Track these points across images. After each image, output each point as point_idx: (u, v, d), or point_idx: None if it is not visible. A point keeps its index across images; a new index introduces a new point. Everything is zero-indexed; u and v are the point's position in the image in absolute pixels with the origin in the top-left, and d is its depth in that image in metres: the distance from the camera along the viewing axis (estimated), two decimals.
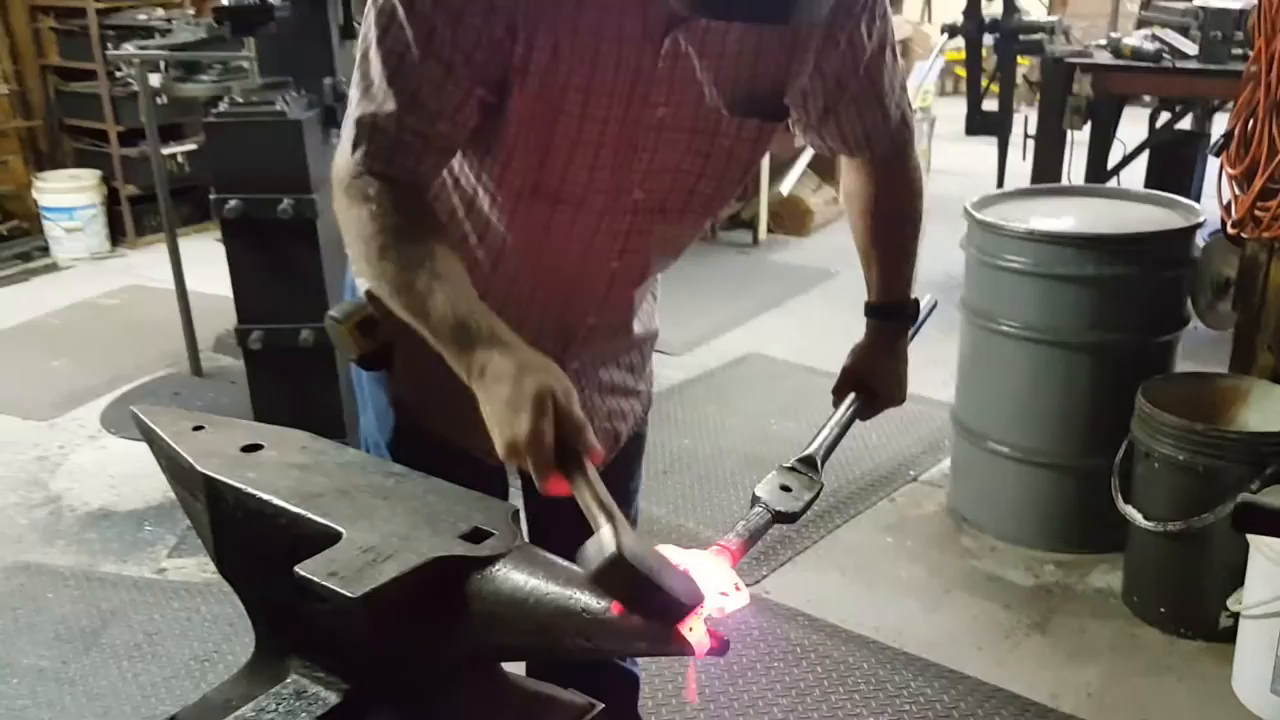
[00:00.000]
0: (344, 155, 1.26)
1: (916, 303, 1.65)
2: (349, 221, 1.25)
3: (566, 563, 1.10)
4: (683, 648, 1.07)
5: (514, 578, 1.11)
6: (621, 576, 0.99)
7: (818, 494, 1.41)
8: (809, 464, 1.44)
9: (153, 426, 1.42)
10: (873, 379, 1.61)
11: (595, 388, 1.59)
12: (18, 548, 3.18)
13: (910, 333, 1.67)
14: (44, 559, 3.11)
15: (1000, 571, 2.95)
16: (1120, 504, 2.65)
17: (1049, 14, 9.18)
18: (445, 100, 1.23)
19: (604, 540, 1.00)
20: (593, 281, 1.44)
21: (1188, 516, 2.50)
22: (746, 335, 4.54)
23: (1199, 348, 3.55)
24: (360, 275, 1.33)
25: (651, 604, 1.01)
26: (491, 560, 1.12)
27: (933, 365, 3.27)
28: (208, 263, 3.96)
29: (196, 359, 4.18)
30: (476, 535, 1.16)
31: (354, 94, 1.25)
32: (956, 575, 2.95)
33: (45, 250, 5.87)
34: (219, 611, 2.79)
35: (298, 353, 3.08)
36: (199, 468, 1.30)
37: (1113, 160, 4.53)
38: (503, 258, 1.40)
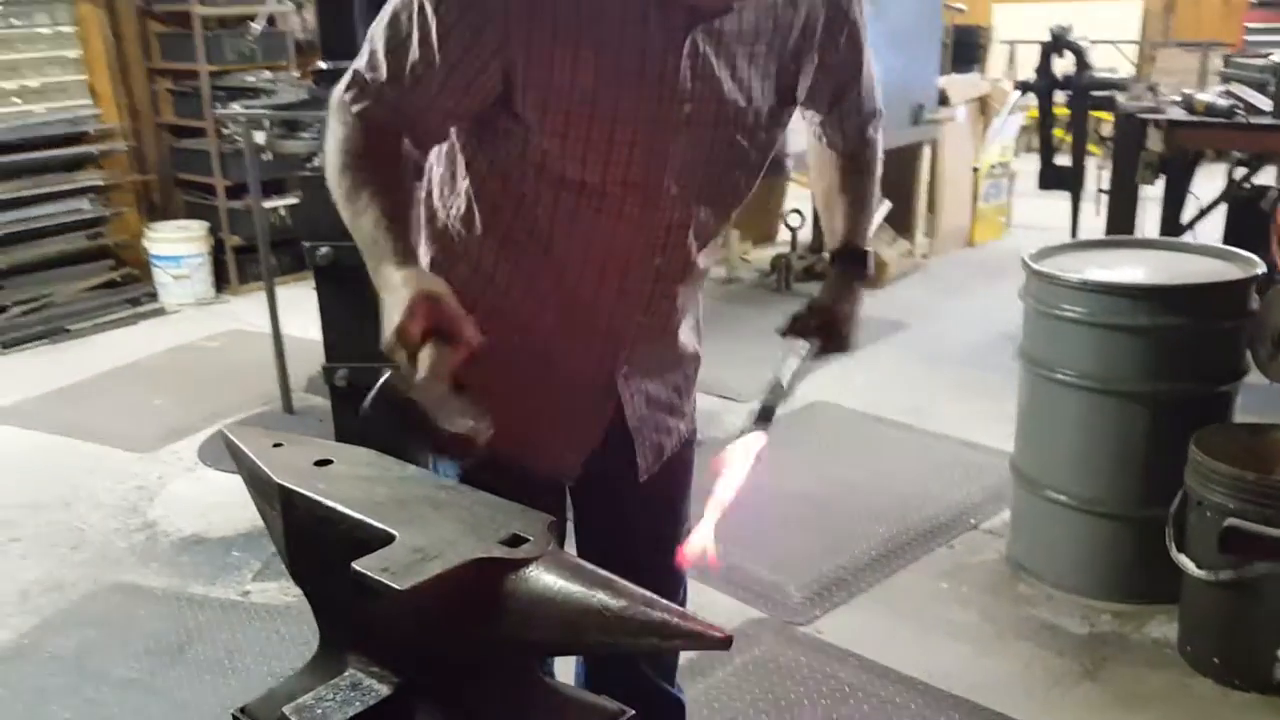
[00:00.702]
0: (339, 88, 1.46)
1: (870, 254, 1.78)
2: (330, 135, 1.46)
3: (590, 566, 1.22)
4: (691, 643, 1.17)
5: (545, 579, 1.23)
6: (390, 400, 1.25)
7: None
8: (767, 414, 1.61)
9: (238, 443, 1.57)
10: (834, 320, 1.71)
11: (645, 399, 1.69)
12: (116, 569, 3.39)
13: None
14: (139, 579, 3.31)
15: (1055, 619, 2.96)
16: (1174, 553, 2.66)
17: (1137, 71, 9.19)
18: (422, 91, 1.41)
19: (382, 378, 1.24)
20: (639, 278, 1.55)
21: (1239, 566, 2.51)
22: (815, 383, 4.61)
23: (1262, 400, 3.53)
24: (327, 177, 1.51)
25: (419, 432, 1.26)
26: (525, 563, 1.24)
27: (999, 419, 3.32)
28: (302, 309, 4.18)
29: (288, 398, 4.40)
30: (514, 541, 1.28)
31: (364, 49, 1.45)
32: (1011, 622, 2.97)
33: (154, 296, 6.18)
34: (295, 632, 2.95)
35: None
36: (275, 478, 1.44)
37: (1188, 215, 4.53)
38: (549, 254, 1.52)
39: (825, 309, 1.71)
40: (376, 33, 1.43)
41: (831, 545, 3.34)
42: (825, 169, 1.78)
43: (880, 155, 1.79)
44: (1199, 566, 2.59)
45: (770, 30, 1.45)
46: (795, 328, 1.70)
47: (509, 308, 1.56)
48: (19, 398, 4.80)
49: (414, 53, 1.39)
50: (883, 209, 6.06)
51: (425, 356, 1.30)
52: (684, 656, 2.79)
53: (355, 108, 1.44)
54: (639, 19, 1.36)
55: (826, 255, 1.80)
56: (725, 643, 1.18)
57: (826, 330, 1.70)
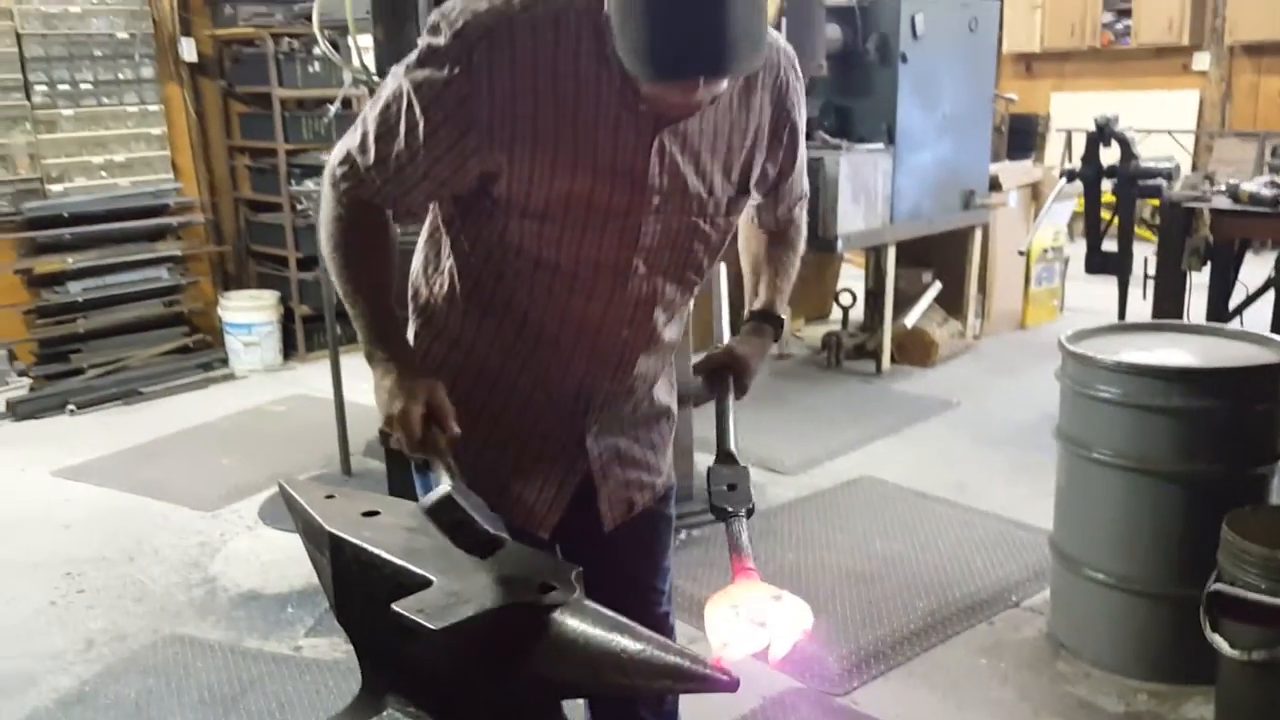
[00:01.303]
0: (331, 163, 1.62)
1: (783, 320, 1.94)
2: (323, 205, 1.63)
3: (611, 613, 1.31)
4: (701, 685, 1.26)
5: (569, 623, 1.32)
6: (448, 511, 1.38)
7: (749, 479, 1.69)
8: (730, 459, 1.70)
9: (294, 494, 1.70)
10: (743, 370, 1.85)
11: (614, 456, 1.81)
12: (175, 620, 3.52)
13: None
14: (196, 632, 3.43)
15: (1092, 698, 2.97)
16: (1208, 632, 2.67)
17: (1194, 161, 9.21)
18: (403, 179, 1.56)
19: (442, 486, 1.40)
20: (607, 349, 1.70)
21: (1272, 646, 2.51)
22: (861, 459, 4.67)
23: None
24: (321, 248, 1.68)
25: (470, 537, 1.38)
26: (552, 609, 1.34)
27: (1043, 498, 3.35)
28: (365, 378, 4.26)
29: (348, 461, 4.55)
30: (543, 588, 1.38)
31: (355, 129, 1.59)
32: (1048, 699, 2.98)
33: (225, 362, 6.40)
34: (345, 687, 3.04)
35: None
36: (326, 526, 1.56)
37: (1235, 302, 4.56)
38: (525, 325, 1.67)
39: (738, 356, 1.86)
40: (369, 116, 1.57)
41: (871, 617, 3.38)
42: (752, 241, 1.96)
43: (804, 232, 1.96)
44: (1233, 646, 2.60)
45: (728, 129, 1.61)
46: (705, 365, 1.86)
47: (487, 373, 1.71)
48: (92, 456, 5.00)
49: (400, 142, 1.53)
50: (933, 289, 6.15)
51: (420, 439, 1.52)
52: None
53: (344, 185, 1.60)
54: (612, 123, 1.51)
55: (745, 314, 1.95)
56: (733, 686, 1.26)
57: (731, 373, 1.85)
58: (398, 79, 1.54)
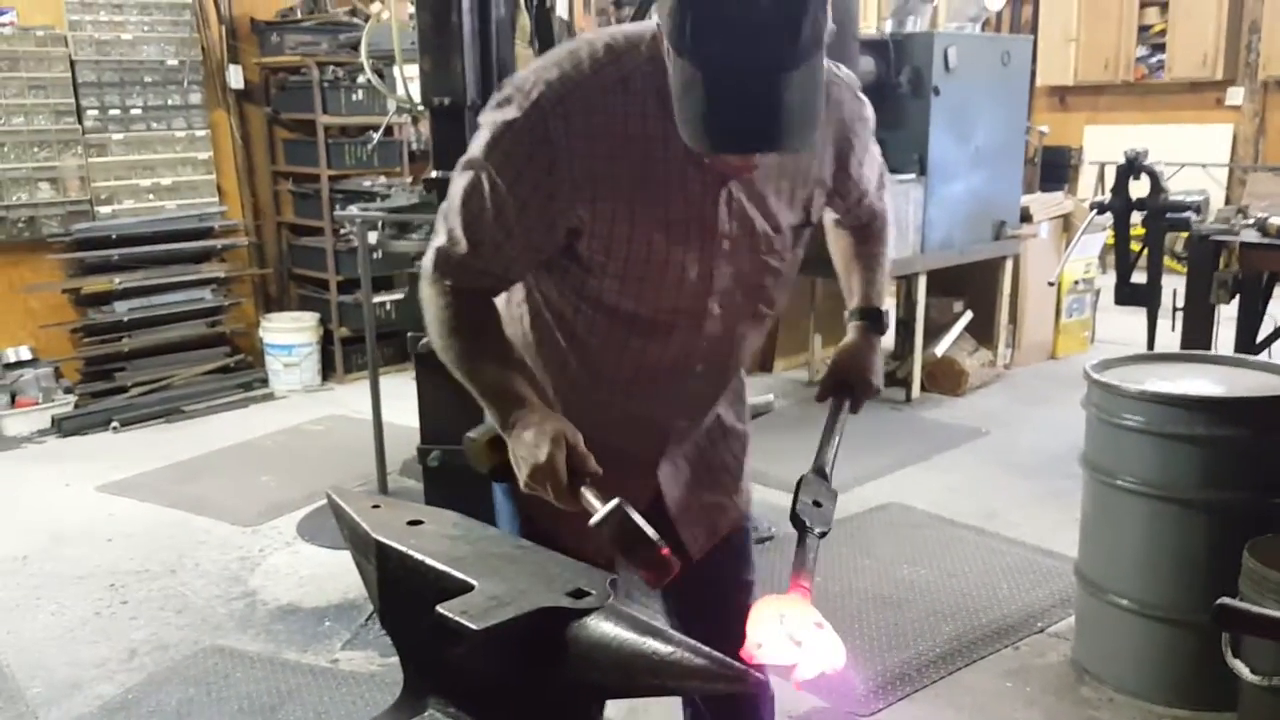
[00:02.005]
0: (428, 265, 1.65)
1: (887, 313, 1.98)
2: (428, 306, 1.65)
3: (644, 618, 1.38)
4: (730, 685, 1.32)
5: (604, 627, 1.39)
6: (620, 525, 1.40)
7: (835, 501, 1.75)
8: (822, 475, 1.75)
9: (341, 504, 1.77)
10: (860, 373, 1.91)
11: (691, 485, 1.86)
12: (216, 633, 3.61)
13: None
14: (236, 644, 3.53)
15: None
16: (1229, 658, 2.70)
17: (1227, 194, 9.20)
18: (502, 255, 1.61)
19: (610, 503, 1.43)
20: (680, 386, 1.75)
21: None
22: (889, 485, 4.71)
23: None
24: (433, 344, 1.71)
25: (644, 553, 1.41)
26: (587, 612, 1.41)
27: (1071, 526, 3.39)
28: (402, 398, 4.41)
29: (384, 480, 4.64)
30: (579, 593, 1.45)
31: (440, 228, 1.64)
32: None
33: (265, 382, 6.53)
34: (381, 699, 3.11)
35: (468, 471, 3.44)
36: (373, 534, 1.64)
37: (1264, 335, 4.57)
38: (602, 373, 1.72)
39: (845, 366, 1.92)
40: (451, 213, 1.61)
41: (898, 640, 3.42)
42: (840, 240, 2.00)
43: (889, 219, 1.98)
44: (1254, 672, 2.63)
45: (792, 168, 1.67)
46: (827, 390, 1.91)
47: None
48: (135, 472, 5.13)
49: (492, 225, 1.58)
50: (964, 319, 6.19)
51: (567, 486, 1.51)
52: None
53: (447, 281, 1.63)
54: (679, 177, 1.57)
55: (846, 314, 1.99)
56: (761, 686, 1.33)
57: (854, 383, 1.90)
58: (472, 169, 1.57)
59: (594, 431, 1.67)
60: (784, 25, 1.29)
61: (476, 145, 1.58)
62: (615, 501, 1.42)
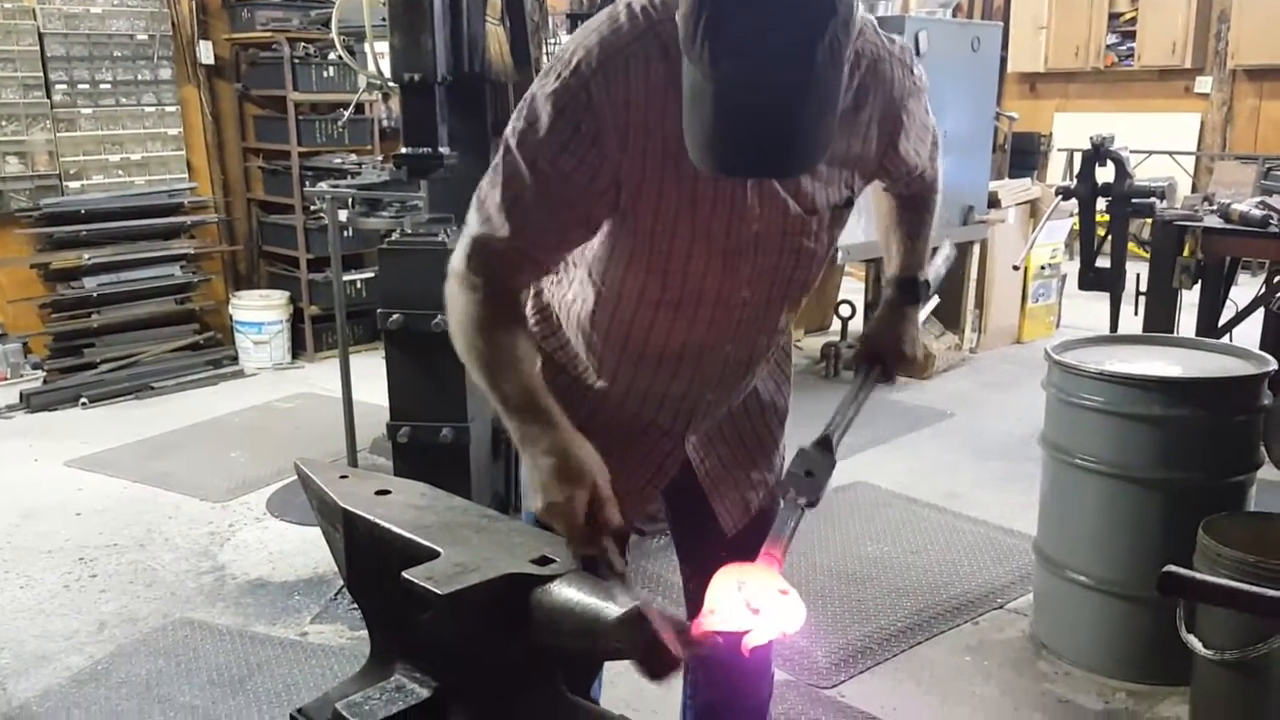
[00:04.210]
0: (459, 259, 1.57)
1: (927, 283, 1.91)
2: (454, 304, 1.57)
3: (604, 583, 1.42)
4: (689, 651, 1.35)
5: (566, 592, 1.42)
6: (635, 628, 1.27)
7: (831, 474, 1.67)
8: (825, 446, 1.69)
9: (309, 474, 1.80)
10: (895, 343, 1.86)
11: (725, 459, 1.85)
12: (185, 606, 3.62)
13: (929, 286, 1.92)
14: (206, 617, 3.54)
15: (1072, 695, 3.07)
16: (1183, 633, 2.77)
17: (1194, 182, 9.32)
18: (547, 233, 1.55)
19: (631, 601, 1.30)
20: (709, 364, 1.72)
21: (1244, 646, 2.61)
22: (856, 465, 4.76)
23: None
24: (456, 346, 1.63)
25: (657, 658, 1.28)
26: (551, 579, 1.44)
27: (1032, 507, 3.44)
28: (372, 377, 4.41)
29: (354, 457, 4.64)
30: (543, 560, 1.48)
31: (473, 218, 1.57)
32: (1028, 696, 3.08)
33: (234, 359, 6.52)
34: (350, 671, 3.08)
35: (437, 448, 3.49)
36: (341, 504, 1.66)
37: (1225, 320, 4.66)
38: (627, 349, 1.70)
39: (877, 335, 1.88)
40: (488, 198, 1.54)
41: (860, 616, 3.48)
42: (883, 203, 1.92)
43: (938, 185, 1.89)
44: (1206, 646, 2.70)
45: (833, 147, 1.60)
46: (858, 360, 1.87)
47: (583, 380, 1.75)
48: (104, 448, 5.12)
49: (533, 207, 1.51)
50: (931, 303, 6.25)
51: (583, 531, 1.44)
52: None
53: (480, 277, 1.54)
54: None
55: (883, 281, 1.95)
56: (704, 644, 1.36)
57: (885, 354, 1.86)
58: (512, 149, 1.51)
59: (619, 401, 1.66)
60: (799, 51, 1.22)
61: (517, 123, 1.52)
62: (636, 604, 1.28)
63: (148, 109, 6.41)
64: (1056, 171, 10.13)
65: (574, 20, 5.24)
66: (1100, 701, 3.03)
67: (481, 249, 1.55)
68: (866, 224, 5.92)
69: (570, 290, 1.74)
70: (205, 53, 6.67)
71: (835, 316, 6.69)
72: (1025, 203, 6.71)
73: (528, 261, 1.58)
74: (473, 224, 1.58)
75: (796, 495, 1.62)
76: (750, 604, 1.42)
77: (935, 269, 2.05)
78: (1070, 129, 10.39)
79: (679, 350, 1.69)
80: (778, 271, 1.65)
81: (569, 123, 1.47)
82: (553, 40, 4.68)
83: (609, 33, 1.48)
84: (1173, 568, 1.40)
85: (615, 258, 1.61)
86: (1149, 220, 5.11)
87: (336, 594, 3.61)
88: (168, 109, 6.49)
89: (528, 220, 1.53)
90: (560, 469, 1.45)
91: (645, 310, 1.65)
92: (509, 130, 1.53)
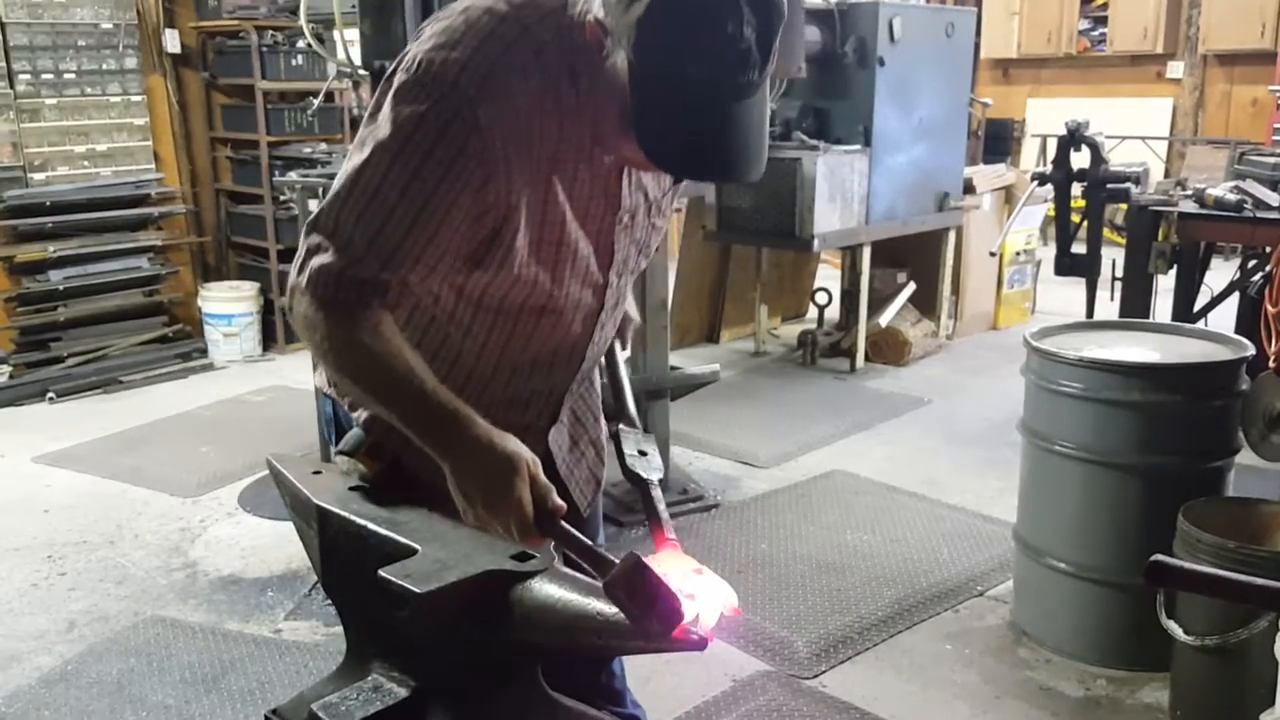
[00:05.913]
0: (306, 281, 1.44)
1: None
2: (312, 333, 1.47)
3: (587, 579, 1.39)
4: (671, 646, 1.32)
5: (547, 589, 1.39)
6: (638, 580, 1.24)
7: (654, 442, 1.76)
8: (632, 423, 1.77)
9: (282, 470, 1.76)
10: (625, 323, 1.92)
11: (587, 441, 1.86)
12: (157, 603, 3.57)
13: None
14: (178, 614, 3.48)
15: (1053, 682, 3.06)
16: (1163, 619, 2.77)
17: (1167, 167, 9.36)
18: (421, 258, 1.44)
19: (629, 556, 1.26)
20: (576, 356, 1.73)
21: (1224, 633, 2.61)
22: (834, 454, 4.76)
23: (1264, 483, 3.64)
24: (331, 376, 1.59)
25: (660, 609, 1.25)
26: (531, 575, 1.41)
27: (1011, 493, 3.44)
28: None
29: (326, 451, 4.59)
30: (522, 557, 1.45)
31: (323, 240, 1.43)
32: (1009, 684, 3.07)
33: (204, 352, 6.44)
34: (324, 668, 3.09)
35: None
36: (314, 500, 1.62)
37: (1201, 305, 4.67)
38: (504, 356, 1.65)
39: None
40: (345, 215, 1.43)
41: (840, 605, 3.46)
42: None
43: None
44: (1186, 632, 2.70)
45: None
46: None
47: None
48: (72, 443, 5.04)
49: (408, 226, 1.41)
50: (907, 290, 6.25)
51: (536, 523, 1.42)
52: (689, 703, 2.93)
53: (343, 294, 1.42)
54: (587, 154, 1.51)
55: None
56: (701, 645, 1.34)
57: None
58: (384, 165, 1.41)
59: (490, 409, 1.56)
60: (764, 52, 1.30)
61: (385, 136, 1.42)
62: (635, 556, 1.25)
63: (113, 99, 6.30)
64: (1030, 157, 10.15)
65: None
66: (1081, 688, 3.03)
67: (338, 272, 1.42)
68: (843, 211, 5.89)
69: (441, 307, 1.63)
70: (171, 41, 6.56)
71: (812, 304, 6.67)
72: (1000, 189, 6.72)
73: (386, 286, 1.45)
74: (323, 240, 1.45)
75: (648, 477, 1.66)
76: (683, 592, 1.40)
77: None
78: (1043, 115, 10.41)
79: (554, 350, 1.69)
80: (637, 259, 1.71)
81: (453, 143, 1.39)
82: None
83: (487, 43, 1.42)
84: (1160, 557, 1.38)
85: (499, 271, 1.53)
86: (1124, 206, 5.11)
87: (310, 590, 3.56)
88: (134, 99, 6.38)
89: (400, 242, 1.42)
90: (492, 464, 1.41)
91: (527, 318, 1.62)
92: (373, 144, 1.43)
